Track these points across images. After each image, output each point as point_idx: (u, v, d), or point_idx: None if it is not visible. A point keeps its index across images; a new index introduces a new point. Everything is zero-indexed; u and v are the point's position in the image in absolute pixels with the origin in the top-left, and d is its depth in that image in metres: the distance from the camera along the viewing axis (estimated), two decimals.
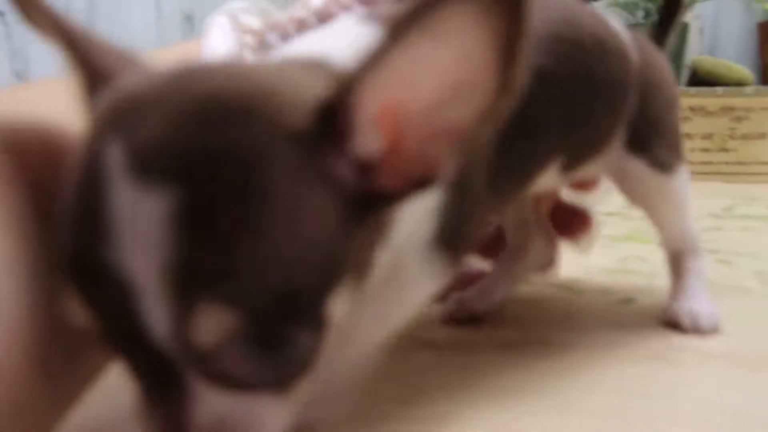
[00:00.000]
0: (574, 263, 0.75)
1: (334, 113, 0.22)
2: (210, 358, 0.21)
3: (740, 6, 1.76)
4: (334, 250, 0.23)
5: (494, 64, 0.21)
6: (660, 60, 0.55)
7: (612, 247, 0.83)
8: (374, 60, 0.21)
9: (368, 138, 0.23)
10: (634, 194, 0.55)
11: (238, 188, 0.21)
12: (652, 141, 0.52)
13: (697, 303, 0.55)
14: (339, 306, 0.24)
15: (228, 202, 0.20)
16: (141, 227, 0.20)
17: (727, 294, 0.66)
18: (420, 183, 0.24)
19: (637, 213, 0.59)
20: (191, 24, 1.77)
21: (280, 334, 0.22)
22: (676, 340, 0.53)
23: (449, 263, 0.37)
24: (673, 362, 0.49)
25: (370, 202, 0.24)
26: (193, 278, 0.20)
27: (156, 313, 0.20)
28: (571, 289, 0.67)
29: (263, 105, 0.22)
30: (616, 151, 0.51)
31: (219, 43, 0.39)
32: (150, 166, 0.20)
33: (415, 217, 0.33)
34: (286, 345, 0.22)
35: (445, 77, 0.22)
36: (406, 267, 0.35)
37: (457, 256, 0.38)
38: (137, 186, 0.20)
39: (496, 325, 0.57)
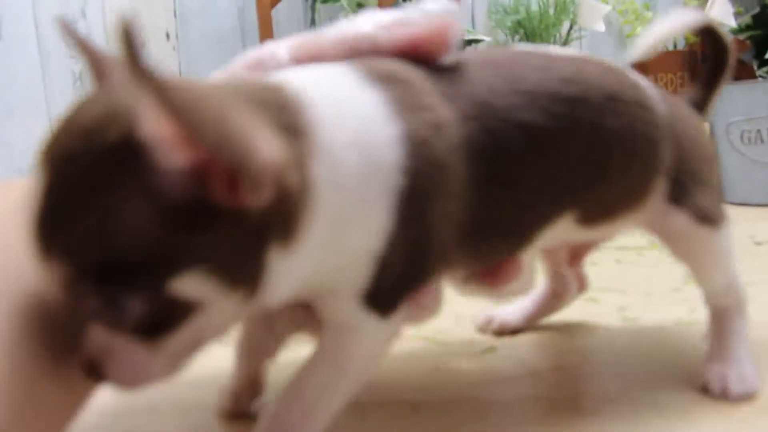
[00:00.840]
0: (445, 312, 0.76)
1: (131, 133, 0.28)
2: (71, 292, 0.30)
3: (613, 42, 1.86)
4: (160, 239, 0.29)
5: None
6: (693, 117, 0.54)
7: None
8: (141, 95, 0.26)
9: (170, 155, 0.28)
10: (678, 249, 0.52)
11: (73, 185, 0.28)
12: (696, 193, 0.50)
13: (729, 366, 0.51)
14: (206, 292, 0.30)
15: (68, 189, 0.29)
16: (38, 202, 0.29)
17: (587, 333, 0.68)
18: (246, 211, 0.29)
19: None
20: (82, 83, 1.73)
21: (111, 291, 0.29)
22: (525, 388, 0.54)
23: (387, 320, 0.39)
24: (522, 410, 0.50)
25: (214, 211, 0.29)
26: (48, 239, 0.29)
27: (36, 256, 0.30)
28: (436, 340, 0.67)
29: (100, 126, 0.28)
30: (656, 205, 0.50)
31: None
32: (44, 156, 0.30)
33: (344, 258, 0.36)
34: (118, 301, 0.29)
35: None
36: (342, 329, 0.39)
37: (393, 313, 0.39)
38: (40, 173, 0.29)
39: None
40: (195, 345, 0.33)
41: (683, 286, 0.84)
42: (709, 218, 0.51)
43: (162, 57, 1.80)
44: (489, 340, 0.67)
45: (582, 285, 0.70)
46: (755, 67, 1.66)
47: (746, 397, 0.49)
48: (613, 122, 0.44)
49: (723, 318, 0.55)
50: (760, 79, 1.61)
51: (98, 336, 0.32)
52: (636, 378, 0.55)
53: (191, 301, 0.30)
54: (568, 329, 0.69)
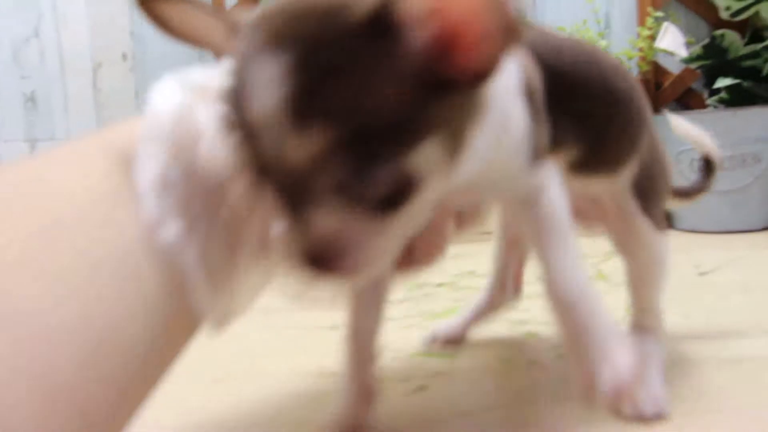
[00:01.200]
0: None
1: (387, 11, 0.30)
2: (318, 166, 0.30)
3: None
4: (405, 111, 0.31)
5: None
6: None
7: (424, 327, 0.83)
8: None
9: (421, 32, 0.31)
10: (624, 239, 0.59)
11: (324, 60, 0.30)
12: (650, 194, 0.59)
13: (640, 388, 0.52)
14: (431, 165, 0.32)
15: (318, 65, 0.30)
16: (279, 82, 0.30)
17: (522, 372, 0.67)
18: (480, 76, 0.32)
19: (467, 282, 0.59)
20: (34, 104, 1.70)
21: (362, 160, 0.30)
22: (459, 427, 0.53)
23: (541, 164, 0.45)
24: None
25: (447, 84, 0.32)
26: (303, 111, 0.30)
27: (282, 132, 0.30)
28: None
29: (342, 6, 0.31)
30: (621, 188, 0.57)
31: (165, 103, 0.37)
32: (273, 41, 0.31)
33: (512, 140, 0.41)
34: (366, 172, 0.31)
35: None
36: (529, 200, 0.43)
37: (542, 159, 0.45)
38: (264, 54, 0.31)
39: None
40: (406, 230, 0.35)
41: (625, 318, 0.84)
42: (656, 218, 0.59)
43: (118, 78, 1.77)
44: (422, 378, 0.66)
45: (518, 288, 0.75)
46: (705, 96, 1.69)
47: (659, 418, 0.50)
48: (621, 84, 0.54)
49: (642, 340, 0.58)
50: (710, 107, 1.64)
51: (327, 218, 0.32)
52: (568, 417, 0.55)
53: (419, 176, 0.32)
54: (502, 367, 0.69)
